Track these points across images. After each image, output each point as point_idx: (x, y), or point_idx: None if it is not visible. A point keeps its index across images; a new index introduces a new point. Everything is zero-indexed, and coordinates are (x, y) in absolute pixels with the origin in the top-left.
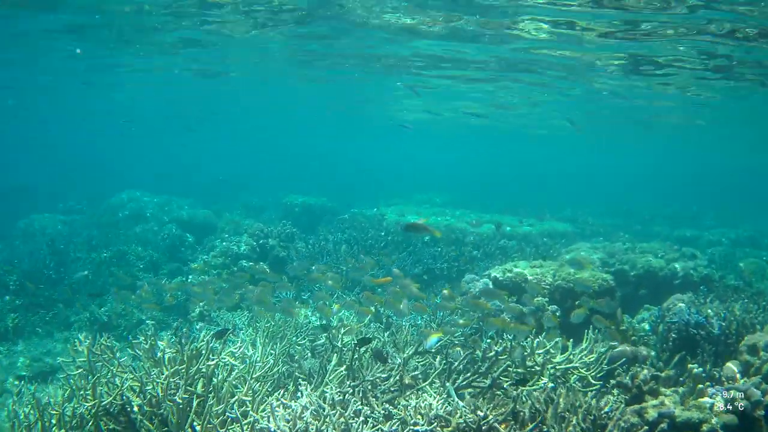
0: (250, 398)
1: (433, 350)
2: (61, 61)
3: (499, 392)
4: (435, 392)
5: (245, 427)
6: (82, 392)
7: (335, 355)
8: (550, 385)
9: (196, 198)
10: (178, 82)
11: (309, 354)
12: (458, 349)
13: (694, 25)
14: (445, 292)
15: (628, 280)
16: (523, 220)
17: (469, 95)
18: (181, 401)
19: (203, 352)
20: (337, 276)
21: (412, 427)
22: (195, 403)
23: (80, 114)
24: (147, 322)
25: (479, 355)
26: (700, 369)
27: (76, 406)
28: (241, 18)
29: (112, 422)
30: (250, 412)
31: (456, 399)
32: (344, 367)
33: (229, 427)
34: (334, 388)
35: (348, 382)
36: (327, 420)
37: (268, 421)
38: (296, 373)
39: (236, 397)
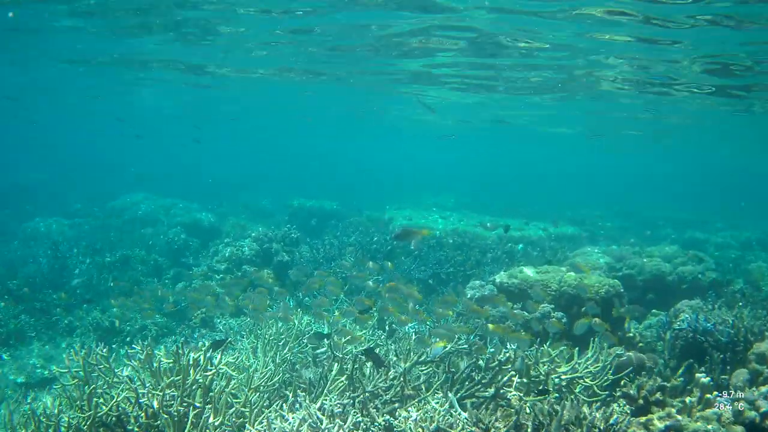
0: (248, 410)
1: (437, 359)
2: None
3: (502, 402)
4: (437, 403)
5: None
6: (77, 403)
7: (336, 364)
8: (555, 395)
9: (202, 201)
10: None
11: (311, 362)
12: (462, 358)
13: None
14: (445, 297)
15: (636, 284)
16: (529, 223)
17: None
18: (176, 414)
19: (200, 362)
20: (338, 282)
21: None
22: (192, 415)
23: (81, 114)
24: (151, 327)
25: (482, 365)
26: (708, 378)
27: (72, 417)
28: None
29: None
30: (247, 426)
31: (458, 410)
32: (345, 377)
33: None
34: (333, 399)
35: (348, 393)
36: None
37: None
38: (296, 383)
39: (234, 409)
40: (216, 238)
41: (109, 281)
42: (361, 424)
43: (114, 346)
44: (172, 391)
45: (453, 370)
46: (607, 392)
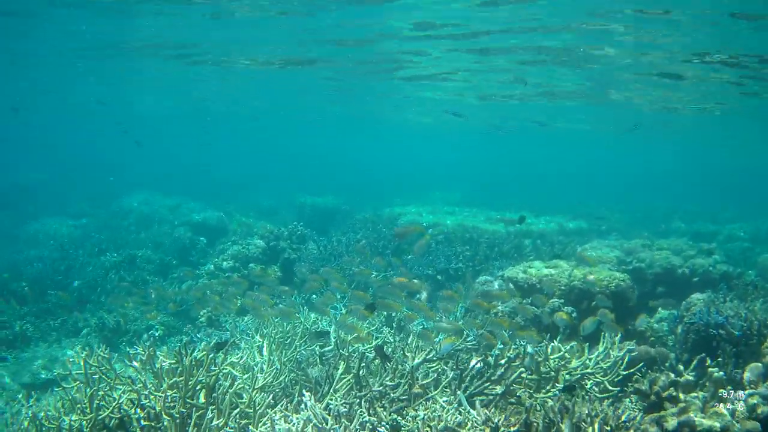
0: (252, 410)
1: (444, 356)
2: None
3: (512, 399)
4: (446, 401)
5: None
6: (79, 405)
7: (342, 362)
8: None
9: (208, 200)
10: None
11: (317, 360)
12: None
13: None
14: (446, 292)
15: (646, 278)
16: (538, 216)
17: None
18: (178, 415)
19: (203, 362)
20: (343, 278)
21: None
22: (195, 417)
23: (81, 113)
24: (157, 327)
25: (491, 361)
26: (721, 373)
27: (73, 420)
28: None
29: None
30: (251, 428)
31: (467, 407)
32: (351, 375)
33: None
34: (339, 398)
35: (354, 392)
36: None
37: None
38: (302, 382)
39: (238, 410)
40: (223, 237)
41: (115, 281)
42: (368, 423)
43: (121, 346)
44: (175, 393)
45: (461, 367)
46: (618, 388)
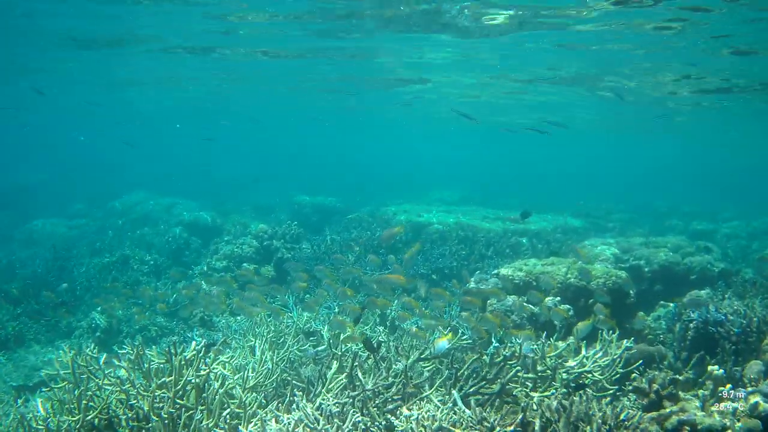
0: (242, 410)
1: (440, 355)
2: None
3: (508, 399)
4: (440, 401)
5: None
6: (67, 406)
7: (335, 361)
8: (563, 391)
9: (205, 199)
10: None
11: (311, 360)
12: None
13: None
14: (436, 290)
15: (643, 276)
16: (536, 214)
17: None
18: (167, 416)
19: (193, 362)
20: (335, 276)
21: None
22: (184, 417)
23: (81, 113)
24: (150, 328)
25: (486, 360)
26: (721, 370)
27: (61, 420)
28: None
29: None
30: (241, 428)
31: (462, 407)
32: (344, 375)
33: None
34: (331, 398)
35: (347, 392)
36: None
37: None
38: (294, 382)
39: (228, 410)
40: (217, 237)
41: (108, 282)
42: (361, 424)
43: (114, 347)
44: (164, 392)
45: (456, 366)
46: (616, 386)
